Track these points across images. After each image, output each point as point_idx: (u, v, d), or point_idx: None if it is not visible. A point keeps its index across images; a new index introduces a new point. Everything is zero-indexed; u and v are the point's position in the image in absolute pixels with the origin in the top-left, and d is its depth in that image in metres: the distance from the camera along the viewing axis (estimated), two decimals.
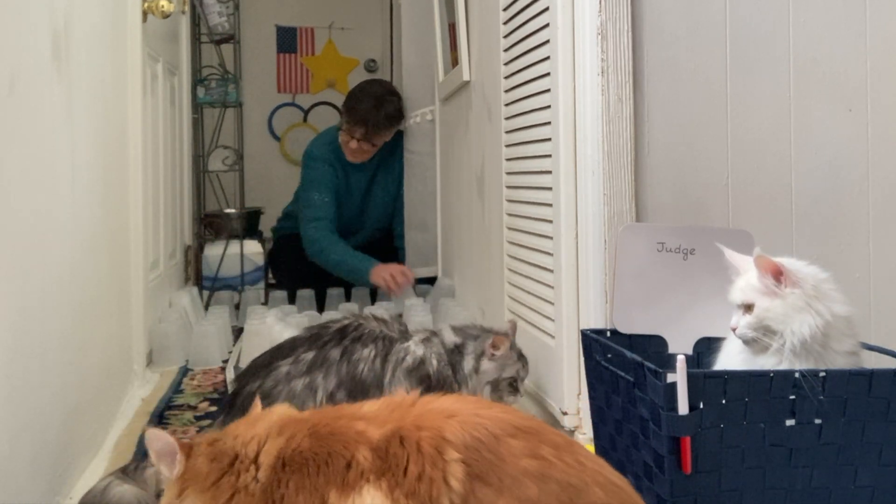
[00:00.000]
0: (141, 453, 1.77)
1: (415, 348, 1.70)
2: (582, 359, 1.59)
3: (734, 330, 1.28)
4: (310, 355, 1.64)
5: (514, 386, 1.74)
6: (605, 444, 1.46)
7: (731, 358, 1.34)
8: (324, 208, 3.43)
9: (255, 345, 2.65)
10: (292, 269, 3.63)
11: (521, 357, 1.76)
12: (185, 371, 2.55)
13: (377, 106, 3.38)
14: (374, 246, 3.58)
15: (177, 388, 2.33)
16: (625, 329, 1.54)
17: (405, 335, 1.74)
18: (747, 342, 1.27)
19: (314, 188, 3.47)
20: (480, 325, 1.82)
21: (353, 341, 1.66)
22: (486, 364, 1.71)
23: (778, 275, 1.24)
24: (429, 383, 1.66)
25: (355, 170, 3.54)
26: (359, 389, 1.62)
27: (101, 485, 1.45)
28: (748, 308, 1.26)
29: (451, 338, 1.75)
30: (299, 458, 0.95)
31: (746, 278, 1.28)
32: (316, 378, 1.62)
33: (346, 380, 1.62)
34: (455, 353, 1.72)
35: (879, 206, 1.76)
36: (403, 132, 3.50)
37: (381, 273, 3.24)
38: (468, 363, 1.71)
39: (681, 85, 1.70)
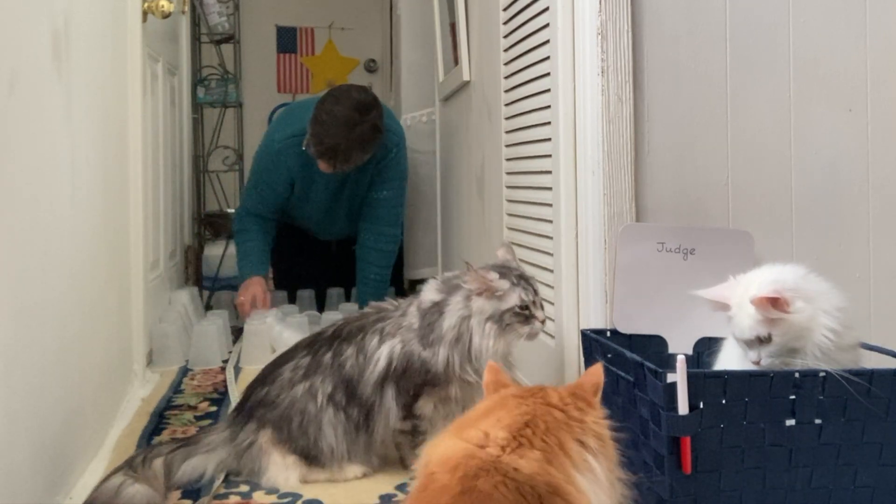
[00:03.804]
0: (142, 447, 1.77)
1: (378, 353, 1.63)
2: (582, 359, 1.59)
3: (756, 364, 1.25)
4: (307, 360, 1.67)
5: (523, 314, 1.56)
6: None
7: (731, 358, 1.34)
8: (265, 204, 3.13)
9: (255, 345, 2.66)
10: (293, 268, 3.63)
11: (522, 279, 1.59)
12: (185, 371, 2.55)
13: (348, 135, 2.81)
14: (344, 242, 3.51)
15: (177, 388, 2.33)
16: (625, 329, 1.55)
17: (379, 327, 1.65)
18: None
19: (265, 184, 3.12)
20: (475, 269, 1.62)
21: (340, 342, 1.67)
22: (477, 303, 1.57)
23: (781, 303, 1.22)
24: (397, 378, 1.61)
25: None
26: (349, 387, 1.63)
27: (115, 482, 1.45)
28: (762, 340, 1.24)
29: (429, 297, 1.63)
30: None
31: (750, 313, 1.24)
32: (315, 382, 1.64)
33: (338, 381, 1.63)
34: (432, 314, 1.60)
35: (879, 206, 1.75)
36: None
37: (246, 289, 3.03)
38: (448, 319, 1.58)
39: (681, 85, 1.70)
